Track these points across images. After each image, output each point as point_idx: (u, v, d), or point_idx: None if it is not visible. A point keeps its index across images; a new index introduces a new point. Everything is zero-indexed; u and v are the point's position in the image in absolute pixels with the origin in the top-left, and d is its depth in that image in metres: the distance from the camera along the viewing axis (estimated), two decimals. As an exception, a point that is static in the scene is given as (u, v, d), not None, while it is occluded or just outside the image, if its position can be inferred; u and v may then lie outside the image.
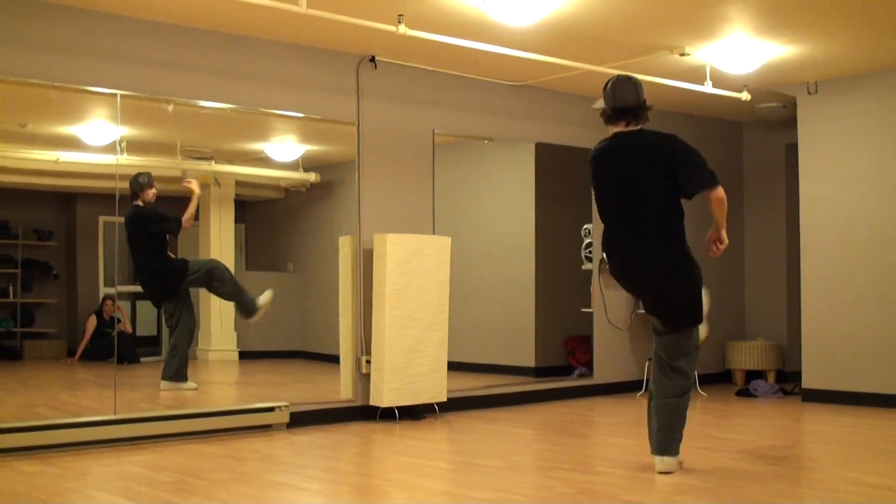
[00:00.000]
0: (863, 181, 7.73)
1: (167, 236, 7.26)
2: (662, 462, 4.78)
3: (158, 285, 7.36)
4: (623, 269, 4.86)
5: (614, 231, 4.81)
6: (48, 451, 5.35)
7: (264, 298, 7.34)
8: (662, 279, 4.75)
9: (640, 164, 4.73)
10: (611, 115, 4.79)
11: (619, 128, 4.81)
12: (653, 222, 4.71)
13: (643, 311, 8.63)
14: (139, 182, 6.94)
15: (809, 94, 8.03)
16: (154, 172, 7.56)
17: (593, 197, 4.95)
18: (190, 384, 7.22)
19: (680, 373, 4.83)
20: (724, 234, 4.91)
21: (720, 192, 4.71)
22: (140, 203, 6.99)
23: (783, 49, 6.83)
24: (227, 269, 7.48)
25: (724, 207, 4.75)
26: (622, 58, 6.94)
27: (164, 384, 7.11)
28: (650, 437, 4.86)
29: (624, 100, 4.73)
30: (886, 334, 7.51)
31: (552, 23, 6.09)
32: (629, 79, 4.82)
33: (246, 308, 7.35)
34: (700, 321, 4.83)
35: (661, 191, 4.70)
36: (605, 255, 4.96)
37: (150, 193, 7.04)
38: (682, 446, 4.98)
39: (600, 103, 4.86)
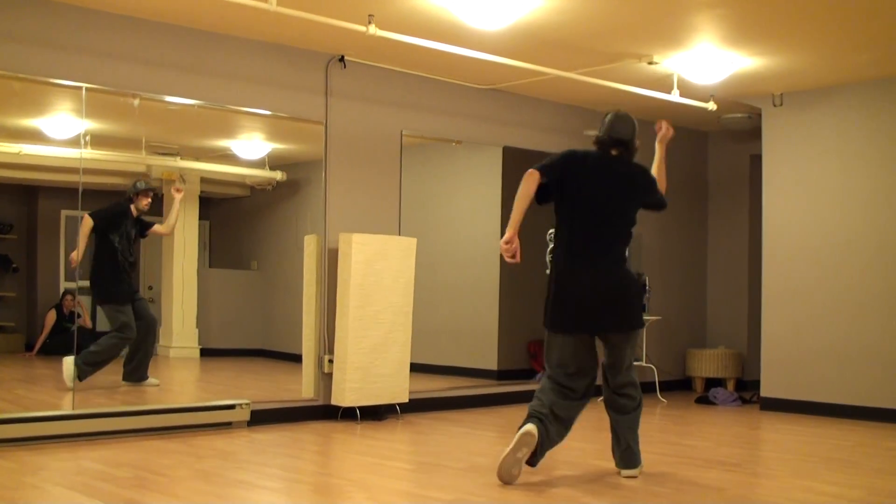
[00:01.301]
0: (826, 193, 7.83)
1: (114, 241, 7.18)
2: (635, 470, 4.92)
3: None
4: (581, 279, 4.78)
5: (580, 241, 4.81)
6: (4, 445, 5.28)
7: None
8: (619, 289, 4.82)
9: (626, 187, 4.91)
10: (605, 143, 4.93)
11: None
12: (620, 244, 4.90)
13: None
14: (134, 187, 7.23)
15: (775, 105, 8.12)
16: (118, 168, 7.52)
17: (560, 167, 4.84)
18: (151, 380, 7.17)
19: (633, 385, 4.97)
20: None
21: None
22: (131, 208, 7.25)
23: (750, 61, 6.91)
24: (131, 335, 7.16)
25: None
26: (591, 64, 6.98)
27: (125, 384, 7.07)
28: (622, 453, 4.94)
29: (620, 132, 4.91)
30: (845, 346, 7.61)
31: (522, 28, 6.12)
32: (629, 116, 4.97)
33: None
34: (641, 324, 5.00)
35: (633, 219, 4.97)
36: (558, 259, 4.89)
37: (143, 202, 7.25)
38: (643, 451, 5.04)
39: (593, 132, 5.02)
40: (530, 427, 4.57)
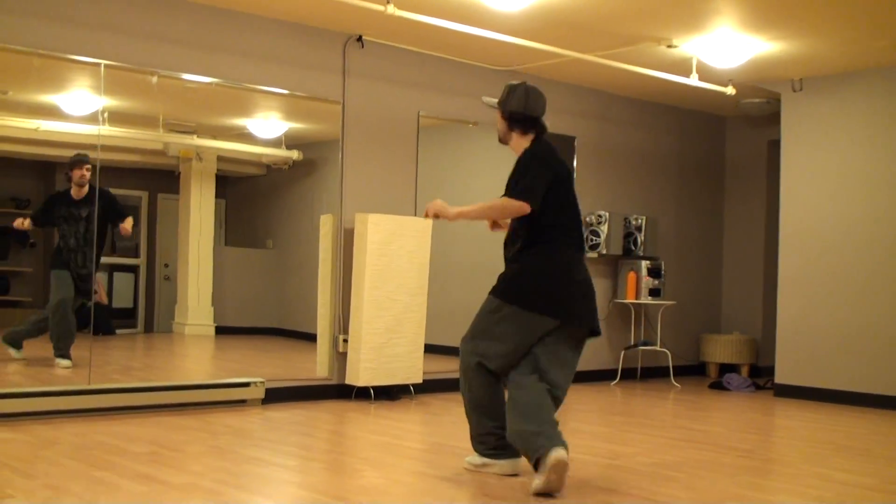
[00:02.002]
0: (844, 180, 7.79)
1: (58, 226, 7.01)
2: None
3: None
4: (576, 278, 4.39)
5: (566, 239, 4.43)
6: (20, 418, 5.33)
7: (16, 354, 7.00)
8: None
9: (571, 175, 4.60)
10: (522, 121, 4.50)
11: (518, 133, 4.53)
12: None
13: (617, 301, 8.64)
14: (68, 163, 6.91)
15: (794, 91, 8.07)
16: (136, 145, 7.53)
17: (546, 187, 4.40)
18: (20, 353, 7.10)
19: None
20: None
21: None
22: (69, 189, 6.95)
23: (769, 45, 6.86)
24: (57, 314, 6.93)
25: None
26: (609, 47, 6.95)
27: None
28: (553, 436, 4.12)
29: (538, 110, 4.51)
30: (860, 333, 7.58)
31: (541, 9, 6.09)
32: (540, 91, 4.56)
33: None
34: None
35: None
36: (548, 264, 4.39)
37: (76, 174, 6.87)
38: (656, 436, 5.03)
39: (492, 101, 4.59)
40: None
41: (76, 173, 6.86)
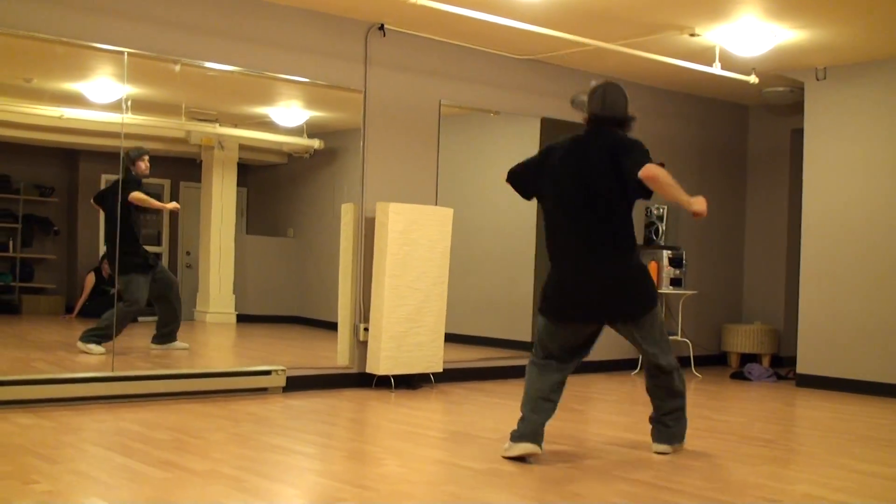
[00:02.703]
0: (867, 169, 7.73)
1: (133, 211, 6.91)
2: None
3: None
4: (560, 280, 4.58)
5: (553, 250, 4.59)
6: (44, 404, 5.38)
7: (180, 344, 7.21)
8: (612, 276, 4.50)
9: (597, 165, 4.44)
10: (596, 122, 4.52)
11: None
12: (606, 234, 4.49)
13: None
14: (129, 157, 6.82)
15: (818, 79, 8.01)
16: (158, 133, 7.57)
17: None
18: (181, 343, 7.18)
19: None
20: (686, 202, 4.37)
21: (652, 169, 4.28)
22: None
23: (793, 33, 6.81)
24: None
25: (661, 184, 4.29)
26: (632, 36, 6.92)
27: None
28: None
29: (613, 109, 4.51)
30: (883, 323, 7.53)
31: (563, -3, 6.07)
32: (620, 88, 4.57)
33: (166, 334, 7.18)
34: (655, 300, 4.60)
35: (616, 195, 4.42)
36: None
37: (142, 166, 6.92)
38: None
39: (582, 97, 4.59)
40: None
41: (140, 165, 6.89)
